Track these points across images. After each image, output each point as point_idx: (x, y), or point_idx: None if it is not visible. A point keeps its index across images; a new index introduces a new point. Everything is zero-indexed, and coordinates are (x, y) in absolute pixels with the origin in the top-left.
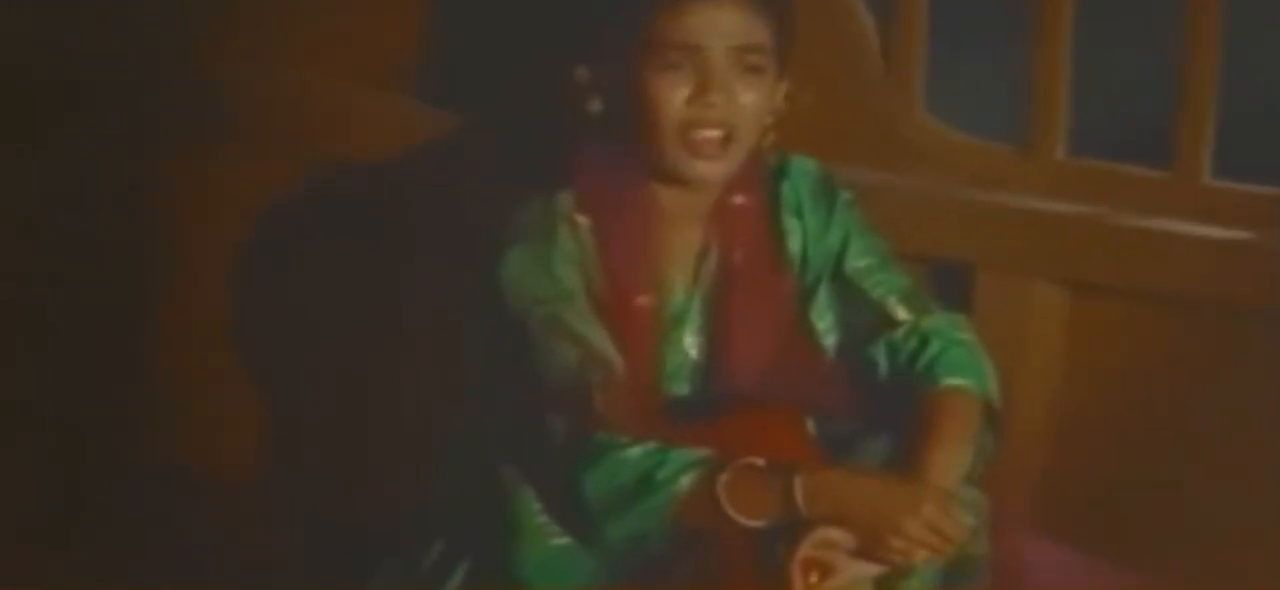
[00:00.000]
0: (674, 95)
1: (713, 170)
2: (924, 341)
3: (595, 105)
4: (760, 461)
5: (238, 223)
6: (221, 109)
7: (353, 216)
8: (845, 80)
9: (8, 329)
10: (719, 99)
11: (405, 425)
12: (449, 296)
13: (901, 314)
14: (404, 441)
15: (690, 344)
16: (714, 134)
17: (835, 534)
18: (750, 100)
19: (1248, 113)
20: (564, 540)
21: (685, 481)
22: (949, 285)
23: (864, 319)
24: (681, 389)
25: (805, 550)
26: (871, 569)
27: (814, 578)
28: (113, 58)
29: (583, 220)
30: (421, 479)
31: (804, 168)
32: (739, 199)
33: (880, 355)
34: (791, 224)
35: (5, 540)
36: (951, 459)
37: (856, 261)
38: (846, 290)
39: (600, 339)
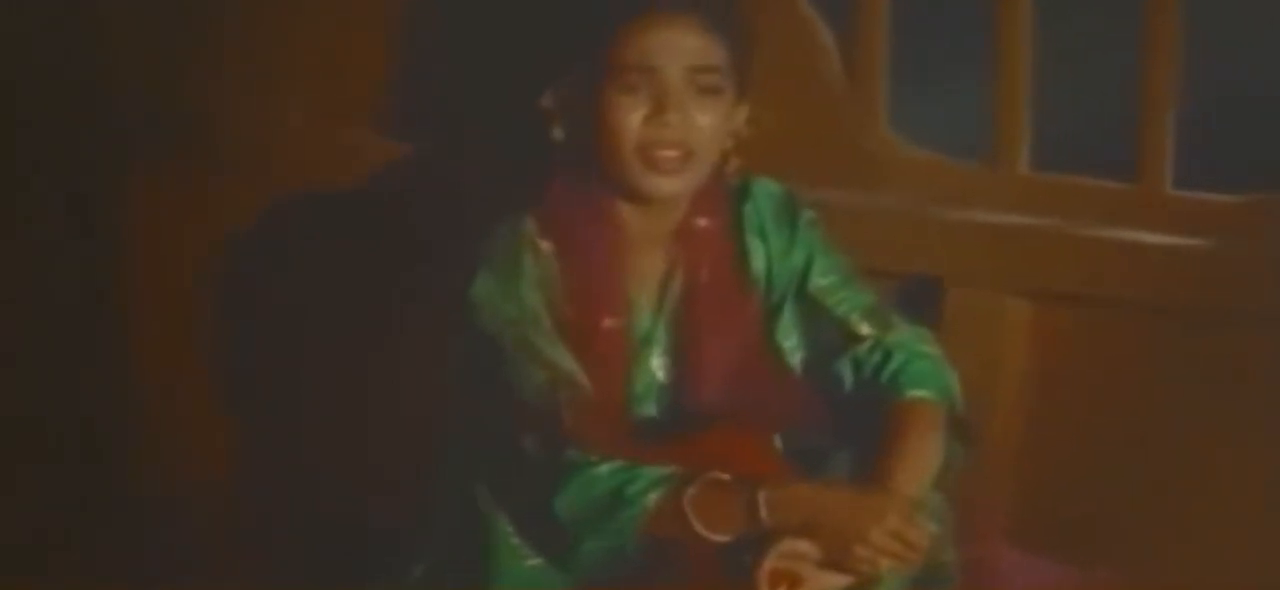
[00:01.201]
0: (631, 117)
1: (671, 185)
2: (888, 355)
3: (557, 132)
4: (725, 476)
5: (216, 240)
6: (200, 134)
7: (332, 235)
8: (808, 99)
9: None
10: (675, 119)
11: (384, 446)
12: (425, 319)
13: (865, 330)
14: (385, 459)
15: (657, 365)
16: (671, 153)
17: (802, 545)
18: (707, 121)
19: (1207, 122)
20: (538, 561)
21: (653, 497)
22: (918, 300)
23: (829, 336)
24: (649, 410)
25: (772, 562)
26: (839, 579)
27: (783, 589)
28: (89, 79)
29: (546, 245)
30: (404, 495)
31: (766, 189)
32: (702, 221)
33: (845, 370)
34: (755, 245)
35: None
36: (916, 468)
37: (820, 280)
38: (811, 309)
39: (567, 361)
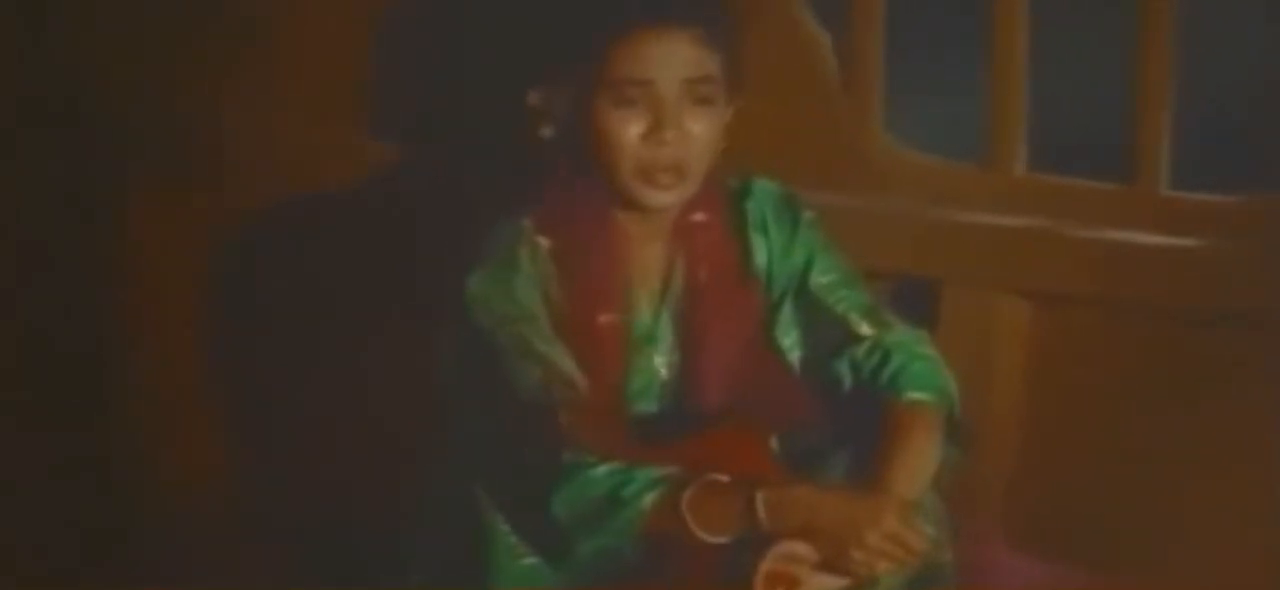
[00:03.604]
0: (628, 130)
1: (668, 199)
2: (886, 356)
3: (547, 130)
4: (723, 477)
5: (210, 248)
6: (191, 142)
7: (325, 240)
8: (804, 103)
9: None
10: (672, 135)
11: (380, 446)
12: (420, 321)
13: (865, 329)
14: (379, 460)
15: (660, 363)
16: (669, 174)
17: (798, 547)
18: (702, 130)
19: (1202, 123)
20: (535, 560)
21: (650, 498)
22: (914, 301)
23: (828, 335)
24: (650, 406)
25: (769, 563)
26: (836, 581)
27: None
28: (82, 89)
29: (544, 241)
30: (397, 499)
31: (767, 188)
32: (699, 216)
33: (844, 370)
34: (757, 241)
35: None
36: (914, 471)
37: (820, 278)
38: (811, 306)
39: (563, 359)
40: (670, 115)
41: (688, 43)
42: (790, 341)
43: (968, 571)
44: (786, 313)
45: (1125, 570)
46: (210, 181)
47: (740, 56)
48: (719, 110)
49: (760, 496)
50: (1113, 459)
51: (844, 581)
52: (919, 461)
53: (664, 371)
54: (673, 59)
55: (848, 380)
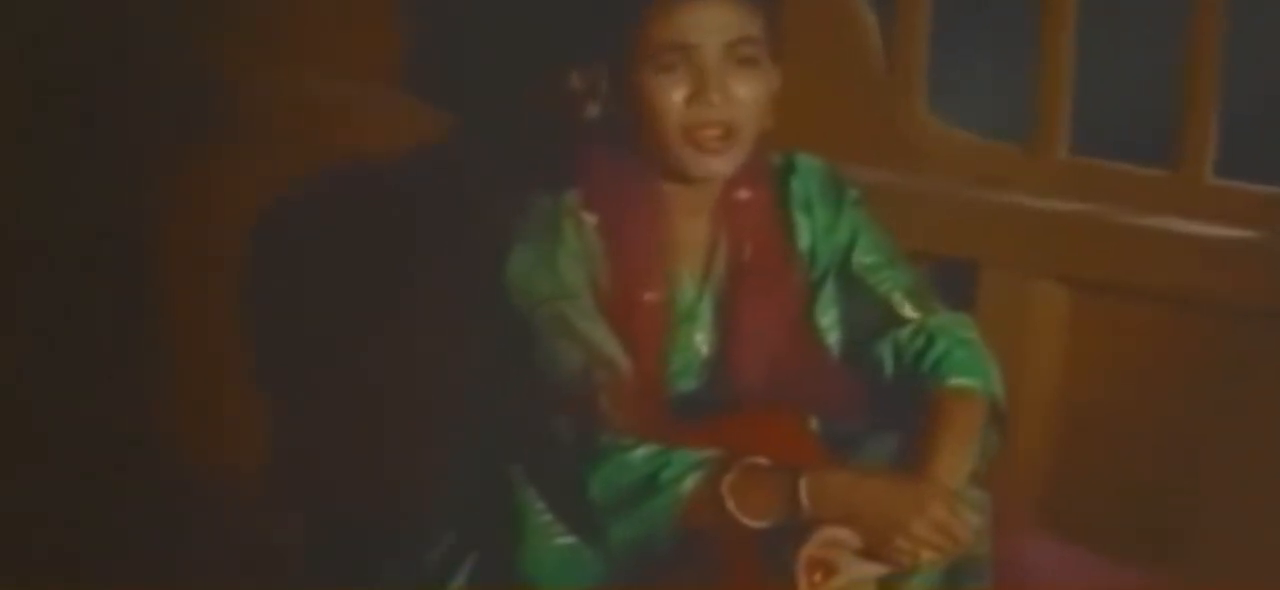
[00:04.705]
0: (673, 96)
1: (719, 165)
2: (930, 340)
3: (592, 109)
4: (765, 461)
5: (242, 220)
6: (223, 108)
7: (358, 214)
8: (848, 79)
9: (12, 329)
10: (717, 97)
11: (412, 424)
12: (456, 294)
13: (908, 311)
14: (411, 440)
15: (701, 340)
16: (716, 133)
17: (841, 533)
18: (747, 92)
19: (1250, 112)
20: (569, 539)
21: (690, 482)
22: (951, 283)
23: (869, 315)
24: (690, 385)
25: (810, 549)
26: (876, 569)
27: (818, 577)
28: (112, 58)
29: (589, 218)
30: (428, 477)
31: (811, 165)
32: (743, 193)
33: (886, 354)
34: (801, 220)
35: (10, 542)
36: (957, 459)
37: (864, 258)
38: (853, 286)
39: (605, 337)
40: (714, 78)
41: (725, 4)
42: (829, 321)
43: (1003, 560)
44: (828, 292)
45: (1162, 560)
46: (239, 153)
47: (781, 14)
48: (764, 72)
49: (804, 481)
50: (1150, 448)
51: (883, 569)
52: (962, 449)
53: (705, 349)
54: (712, 22)
55: (889, 365)
